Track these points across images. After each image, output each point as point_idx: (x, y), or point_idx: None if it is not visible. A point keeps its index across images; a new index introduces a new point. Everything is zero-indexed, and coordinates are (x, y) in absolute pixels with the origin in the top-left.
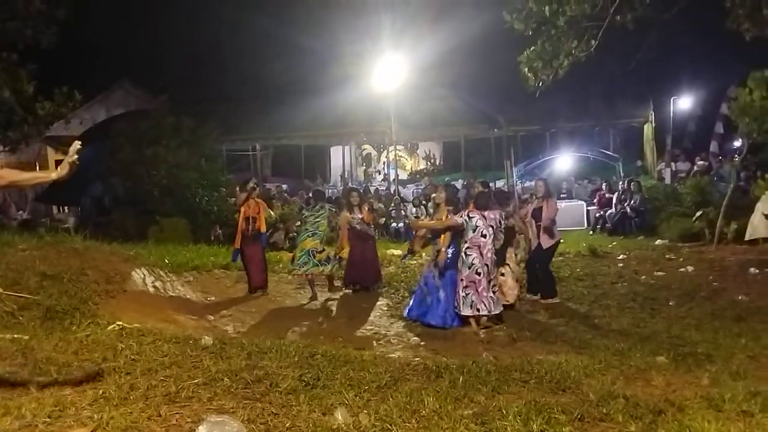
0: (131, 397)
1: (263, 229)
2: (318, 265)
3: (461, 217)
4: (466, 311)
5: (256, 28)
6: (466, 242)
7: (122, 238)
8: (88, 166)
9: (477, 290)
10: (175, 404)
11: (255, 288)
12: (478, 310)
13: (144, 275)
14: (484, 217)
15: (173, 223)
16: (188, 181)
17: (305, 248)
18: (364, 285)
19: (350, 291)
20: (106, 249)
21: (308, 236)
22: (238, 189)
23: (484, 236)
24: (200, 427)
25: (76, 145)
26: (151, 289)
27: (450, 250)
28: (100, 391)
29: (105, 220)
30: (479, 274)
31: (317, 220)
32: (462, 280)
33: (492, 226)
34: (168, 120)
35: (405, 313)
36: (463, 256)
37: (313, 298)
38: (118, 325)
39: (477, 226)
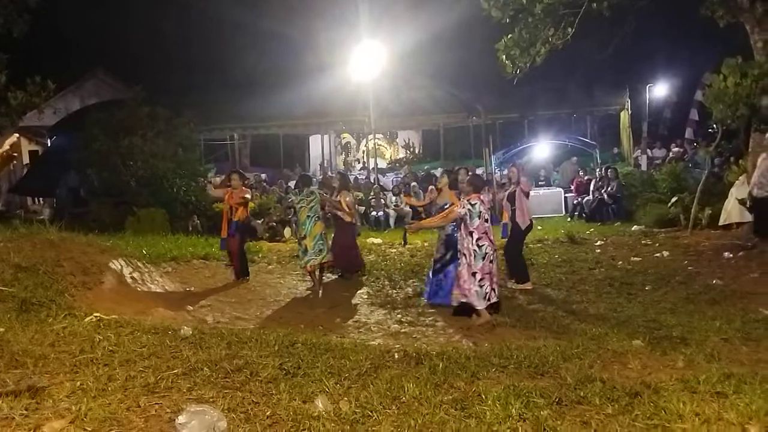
0: (109, 388)
1: (240, 218)
2: (330, 250)
3: (463, 207)
4: (481, 304)
5: (232, 16)
6: (473, 232)
7: (99, 229)
8: (62, 157)
9: (491, 280)
10: (154, 395)
11: (239, 274)
12: (490, 299)
13: (121, 266)
14: (482, 201)
15: (151, 213)
16: (165, 171)
17: (317, 233)
18: (344, 271)
19: (336, 276)
20: (82, 240)
21: (315, 221)
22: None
23: (488, 221)
24: (180, 417)
25: (14, 138)
26: (129, 281)
27: (451, 228)
28: (78, 383)
29: (81, 211)
30: (492, 262)
31: (312, 204)
32: (476, 273)
33: (489, 209)
34: (143, 110)
35: (425, 299)
36: (476, 248)
37: (317, 286)
38: (96, 316)
39: (480, 212)
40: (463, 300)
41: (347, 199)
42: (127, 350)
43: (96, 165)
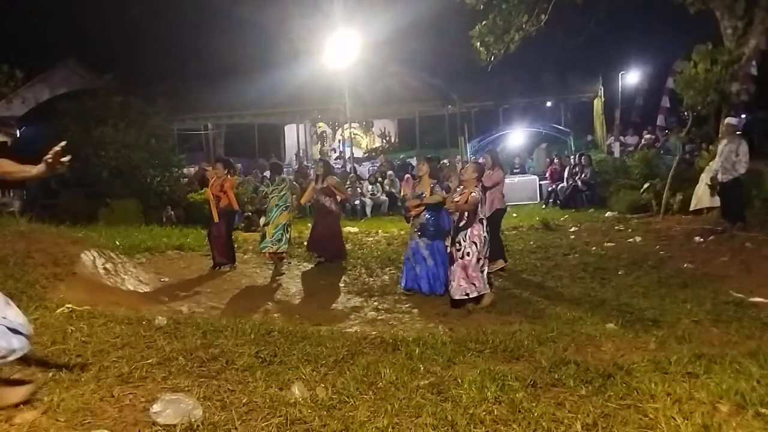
0: (82, 379)
1: (235, 206)
2: (289, 242)
3: (478, 193)
4: (486, 288)
5: (206, 4)
6: (482, 219)
7: (71, 220)
8: (32, 148)
9: (488, 265)
10: (128, 384)
11: (218, 264)
12: (491, 284)
13: (94, 257)
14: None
15: (124, 204)
16: (138, 161)
17: (280, 223)
18: (326, 257)
19: (318, 261)
20: (53, 231)
21: (282, 210)
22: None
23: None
24: (154, 406)
25: (59, 147)
26: (102, 272)
27: (429, 217)
28: (50, 374)
29: (52, 202)
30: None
31: (282, 193)
32: (480, 260)
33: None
34: (115, 99)
35: (402, 285)
36: (486, 234)
37: (278, 273)
38: (68, 307)
39: (483, 198)
40: (473, 292)
41: (333, 182)
42: (100, 341)
43: (66, 155)
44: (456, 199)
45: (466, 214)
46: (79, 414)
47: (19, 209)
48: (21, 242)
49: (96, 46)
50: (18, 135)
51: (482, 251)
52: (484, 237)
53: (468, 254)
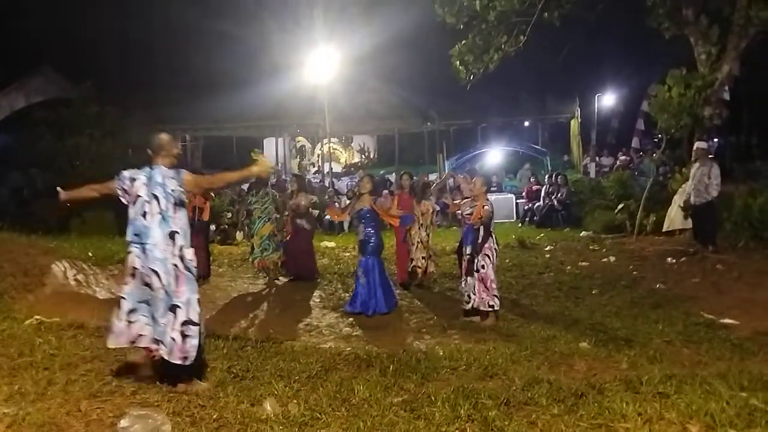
0: (49, 393)
1: (206, 218)
2: (277, 250)
3: (490, 205)
4: (496, 303)
5: (184, 17)
6: (492, 232)
7: (42, 230)
8: (5, 157)
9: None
10: (96, 399)
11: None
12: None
13: (65, 268)
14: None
15: (98, 215)
16: (114, 172)
17: (264, 234)
18: (296, 277)
19: (287, 279)
20: (23, 241)
21: (265, 222)
22: None
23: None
24: (122, 421)
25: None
26: (73, 283)
27: (369, 231)
28: (16, 387)
29: (24, 212)
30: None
31: (265, 206)
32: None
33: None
34: (92, 109)
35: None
36: (497, 246)
37: (271, 283)
38: (36, 319)
39: (494, 212)
40: (497, 304)
41: (303, 202)
42: (69, 354)
43: (40, 165)
44: (467, 212)
45: (481, 228)
46: (45, 428)
47: None
48: None
49: (74, 55)
50: None
51: (495, 262)
52: (495, 249)
53: (483, 267)
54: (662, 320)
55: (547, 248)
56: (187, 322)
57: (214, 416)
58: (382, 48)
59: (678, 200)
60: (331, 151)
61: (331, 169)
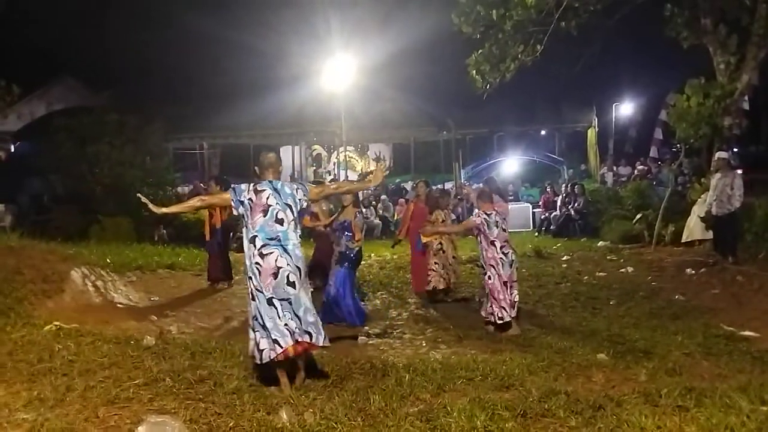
0: (67, 399)
1: (218, 224)
2: None
3: (479, 216)
4: (512, 313)
5: (202, 27)
6: (494, 242)
7: (62, 237)
8: (26, 163)
9: (515, 282)
10: (113, 405)
11: (214, 280)
12: (515, 307)
13: (84, 275)
14: (497, 211)
15: (116, 222)
16: (132, 179)
17: None
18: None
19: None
20: (43, 248)
21: None
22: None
23: (505, 230)
24: (139, 428)
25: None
26: (92, 289)
27: (344, 245)
28: (35, 392)
29: (44, 218)
30: (512, 266)
31: None
32: (506, 282)
33: (504, 218)
34: (111, 117)
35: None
36: (503, 256)
37: None
38: (55, 325)
39: (497, 221)
40: (507, 316)
41: (323, 207)
42: (87, 360)
43: (61, 171)
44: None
45: (478, 238)
46: None
47: (10, 224)
48: (11, 258)
49: (94, 64)
50: (12, 150)
51: (503, 273)
52: (500, 259)
53: (489, 278)
54: (681, 332)
55: (563, 258)
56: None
57: (231, 424)
58: (399, 57)
59: (697, 210)
60: (347, 159)
61: (347, 177)
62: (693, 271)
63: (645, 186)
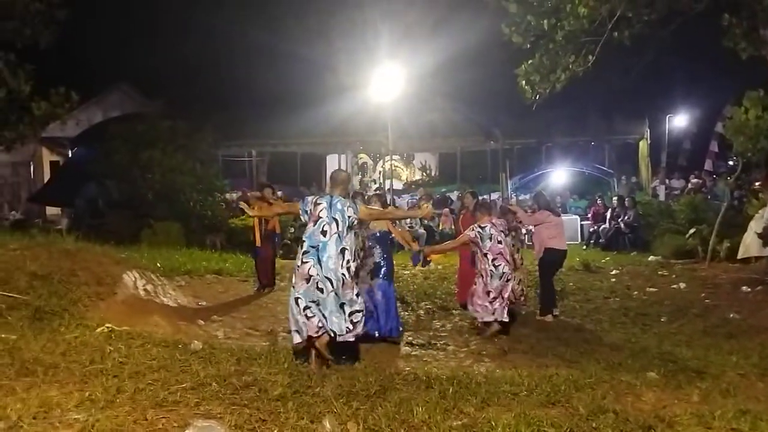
0: (118, 400)
1: (278, 230)
2: None
3: (472, 230)
4: (488, 317)
5: (255, 37)
6: (487, 254)
7: (115, 240)
8: (82, 168)
9: (503, 297)
10: (161, 408)
11: (264, 285)
12: (497, 318)
13: (135, 278)
14: (494, 224)
15: (167, 226)
16: (183, 185)
17: None
18: None
19: None
20: (97, 251)
21: None
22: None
23: (501, 243)
24: None
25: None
26: (142, 293)
27: (383, 254)
28: (87, 393)
29: (98, 222)
30: (508, 281)
31: None
32: (490, 292)
33: (503, 232)
34: (164, 124)
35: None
36: (492, 269)
37: None
38: (107, 327)
39: (492, 234)
40: (480, 316)
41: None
42: (137, 362)
43: (115, 177)
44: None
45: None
46: None
47: (66, 227)
48: (66, 260)
49: (149, 73)
50: (70, 155)
51: (489, 283)
52: (490, 271)
53: (475, 284)
54: (736, 352)
55: (612, 272)
56: (353, 312)
57: (274, 431)
58: (447, 65)
59: (754, 226)
60: (393, 168)
61: (392, 186)
62: (749, 289)
63: (699, 200)
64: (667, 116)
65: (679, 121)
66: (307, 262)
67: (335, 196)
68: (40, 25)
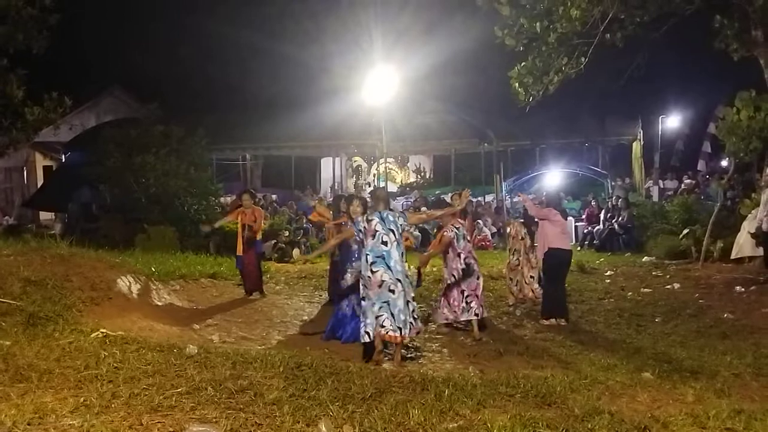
0: (113, 406)
1: (259, 236)
2: None
3: (451, 231)
4: (465, 316)
5: (248, 40)
6: (460, 253)
7: (109, 245)
8: (76, 173)
9: (477, 295)
10: (157, 413)
11: (250, 291)
12: (477, 314)
13: (129, 283)
14: (463, 224)
15: (161, 231)
16: (177, 189)
17: None
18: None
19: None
20: (91, 256)
21: None
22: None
23: (469, 241)
24: None
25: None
26: (136, 297)
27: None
28: (81, 399)
29: (92, 226)
30: (479, 278)
31: None
32: (464, 291)
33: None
34: (157, 128)
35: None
36: (465, 267)
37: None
38: (102, 332)
39: (464, 234)
40: (452, 318)
41: (323, 204)
42: (132, 367)
43: (109, 181)
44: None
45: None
46: None
47: (60, 232)
48: (60, 265)
49: (142, 77)
50: (63, 160)
51: (463, 282)
52: (463, 269)
53: (449, 285)
54: (730, 352)
55: (607, 273)
56: (414, 309)
57: None
58: (441, 68)
59: (747, 226)
60: (387, 170)
61: (387, 188)
62: (743, 289)
63: (692, 200)
64: (660, 117)
65: (672, 122)
66: (377, 270)
67: (383, 211)
68: (33, 30)
